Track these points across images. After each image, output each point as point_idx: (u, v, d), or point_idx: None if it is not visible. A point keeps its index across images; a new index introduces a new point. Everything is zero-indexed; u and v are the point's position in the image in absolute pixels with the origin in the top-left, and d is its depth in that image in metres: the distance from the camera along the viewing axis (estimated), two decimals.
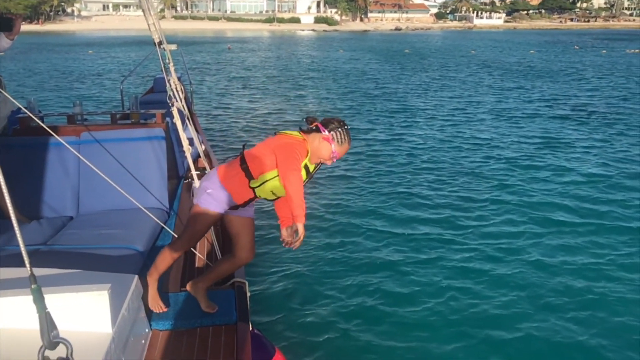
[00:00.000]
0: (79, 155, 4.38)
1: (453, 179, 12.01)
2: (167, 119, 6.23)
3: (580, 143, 15.39)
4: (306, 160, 3.43)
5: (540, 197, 10.70)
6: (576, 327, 6.32)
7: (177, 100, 4.94)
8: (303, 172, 3.48)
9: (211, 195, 3.44)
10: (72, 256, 4.14)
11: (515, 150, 14.55)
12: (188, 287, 3.72)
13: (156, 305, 3.61)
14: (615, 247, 8.42)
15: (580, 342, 6.02)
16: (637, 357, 5.74)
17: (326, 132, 3.43)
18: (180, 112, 5.14)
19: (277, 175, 3.38)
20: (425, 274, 7.60)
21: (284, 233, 3.66)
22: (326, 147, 3.44)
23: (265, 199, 3.56)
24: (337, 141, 3.44)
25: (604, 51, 55.76)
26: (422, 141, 15.76)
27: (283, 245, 3.61)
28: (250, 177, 3.43)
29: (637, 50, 54.13)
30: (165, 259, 3.68)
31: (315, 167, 3.56)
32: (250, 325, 3.69)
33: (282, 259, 8.13)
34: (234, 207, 3.48)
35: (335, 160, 3.49)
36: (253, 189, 3.46)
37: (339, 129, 3.47)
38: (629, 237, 8.78)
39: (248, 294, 3.81)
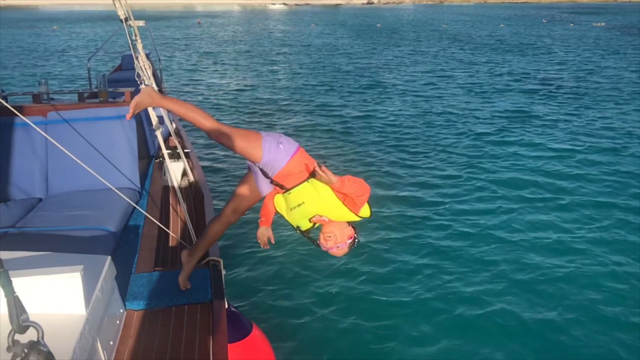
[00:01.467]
0: (46, 135, 4.29)
1: (425, 156, 12.14)
2: None
3: (549, 117, 15.67)
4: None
5: (511, 173, 10.90)
6: (545, 301, 6.48)
7: (145, 78, 4.85)
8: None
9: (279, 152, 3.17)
10: (43, 238, 4.09)
11: (486, 126, 14.75)
12: (183, 256, 3.55)
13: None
14: (583, 222, 8.65)
15: (549, 317, 6.20)
16: (602, 329, 5.94)
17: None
18: None
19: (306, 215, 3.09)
20: (399, 252, 7.71)
21: (260, 232, 3.53)
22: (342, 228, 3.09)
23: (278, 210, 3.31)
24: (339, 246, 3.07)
25: (572, 24, 56.52)
26: (394, 117, 15.84)
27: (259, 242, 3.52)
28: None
29: (603, 24, 55.02)
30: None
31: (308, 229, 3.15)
32: (227, 303, 3.72)
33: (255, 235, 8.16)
34: (267, 177, 3.20)
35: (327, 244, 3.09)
36: (289, 189, 3.12)
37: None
38: (596, 211, 9.03)
39: (223, 272, 3.82)
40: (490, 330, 5.92)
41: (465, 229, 8.34)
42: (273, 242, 3.38)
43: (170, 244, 4.49)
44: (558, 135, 13.62)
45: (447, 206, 9.26)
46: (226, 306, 3.70)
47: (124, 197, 4.41)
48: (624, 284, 6.72)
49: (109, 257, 3.27)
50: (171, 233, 4.49)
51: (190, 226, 4.34)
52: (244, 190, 3.46)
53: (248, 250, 7.79)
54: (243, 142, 3.15)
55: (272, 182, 3.21)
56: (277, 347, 4.02)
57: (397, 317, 6.18)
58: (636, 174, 10.58)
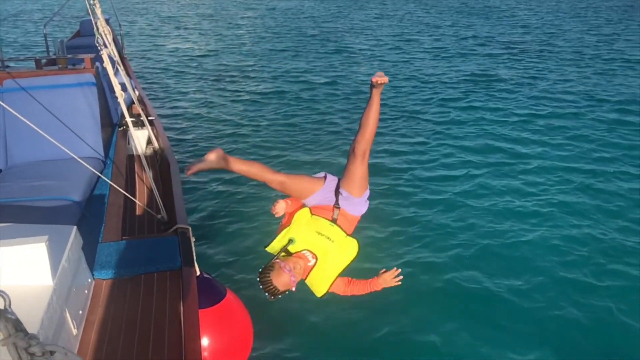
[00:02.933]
0: (3, 104, 4.14)
1: (393, 123, 12.20)
2: (97, 63, 5.95)
3: (514, 81, 15.88)
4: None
5: (477, 139, 11.07)
6: (509, 265, 6.66)
7: (105, 44, 4.71)
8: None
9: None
10: (5, 210, 4.00)
11: (452, 90, 14.87)
12: (216, 153, 3.22)
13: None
14: (547, 186, 8.91)
15: (514, 282, 6.41)
16: (565, 291, 6.17)
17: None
18: (110, 56, 4.92)
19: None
20: (365, 219, 7.75)
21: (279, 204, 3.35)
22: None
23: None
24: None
25: None
26: (360, 83, 15.80)
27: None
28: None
29: None
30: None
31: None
32: (198, 270, 3.73)
33: (231, 205, 8.16)
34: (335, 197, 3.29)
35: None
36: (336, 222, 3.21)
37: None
38: (560, 175, 9.29)
39: (192, 239, 3.82)
40: (456, 296, 6.08)
41: (432, 196, 8.48)
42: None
43: (137, 213, 4.46)
44: (522, 100, 13.85)
45: (414, 172, 9.38)
46: (198, 273, 3.72)
47: (88, 166, 4.34)
48: (586, 247, 6.98)
49: (75, 227, 3.24)
50: (137, 201, 4.45)
51: (156, 194, 4.30)
52: (304, 182, 3.38)
53: (218, 215, 7.80)
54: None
55: (336, 204, 3.25)
56: (253, 312, 4.07)
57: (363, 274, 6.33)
58: (598, 138, 10.89)
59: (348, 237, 3.18)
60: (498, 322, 5.59)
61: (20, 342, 1.53)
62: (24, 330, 1.57)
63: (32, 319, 2.42)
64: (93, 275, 3.52)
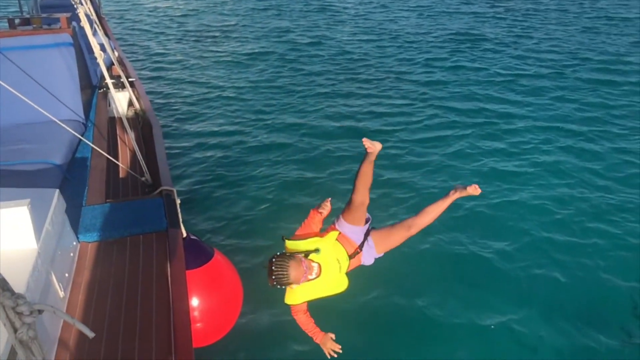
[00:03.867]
0: None
1: (378, 83, 12.10)
2: (74, 23, 5.76)
3: (498, 39, 15.77)
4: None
5: (462, 100, 11.04)
6: (490, 227, 6.76)
7: (82, 2, 4.55)
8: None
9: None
10: None
11: (437, 50, 14.74)
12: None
13: None
14: (530, 146, 8.97)
15: (495, 244, 6.54)
16: (543, 249, 6.30)
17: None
18: (87, 15, 4.76)
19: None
20: (348, 181, 7.79)
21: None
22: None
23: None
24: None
25: None
26: (345, 43, 15.58)
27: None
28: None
29: None
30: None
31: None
32: (185, 232, 3.73)
33: (217, 171, 8.12)
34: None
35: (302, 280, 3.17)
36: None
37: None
38: (543, 134, 9.35)
39: (178, 201, 3.80)
40: (442, 258, 6.13)
41: (418, 158, 8.52)
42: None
43: (120, 176, 4.41)
44: (507, 59, 13.80)
45: (400, 135, 9.37)
46: (184, 235, 3.71)
47: (68, 129, 4.26)
48: (570, 207, 7.09)
49: (57, 190, 3.19)
50: (120, 164, 4.40)
51: (139, 156, 4.25)
52: (363, 213, 3.55)
53: (211, 185, 7.77)
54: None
55: (360, 246, 3.45)
56: (243, 276, 4.10)
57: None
58: (581, 98, 10.94)
59: (346, 275, 3.34)
60: (483, 283, 5.67)
61: (7, 302, 1.52)
62: (11, 290, 1.56)
63: (17, 282, 2.41)
64: (78, 238, 3.50)
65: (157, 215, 3.64)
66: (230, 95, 11.36)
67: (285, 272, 3.07)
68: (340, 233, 3.44)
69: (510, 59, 13.83)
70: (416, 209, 6.82)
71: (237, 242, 6.28)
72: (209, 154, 8.63)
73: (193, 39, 16.22)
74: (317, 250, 3.26)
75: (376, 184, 7.45)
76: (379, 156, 8.73)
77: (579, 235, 6.47)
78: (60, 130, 4.34)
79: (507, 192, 7.41)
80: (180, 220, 3.62)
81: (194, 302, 3.53)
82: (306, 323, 3.34)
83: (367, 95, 11.31)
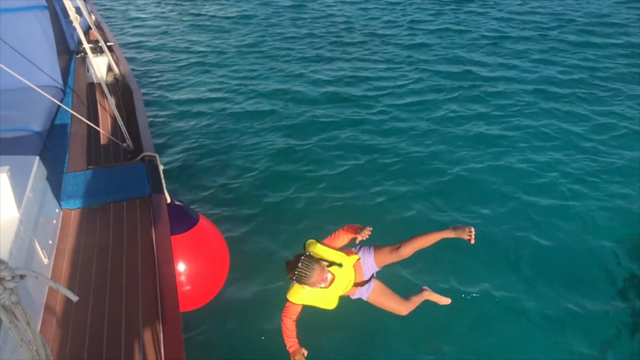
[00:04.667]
0: None
1: (361, 45, 11.96)
2: None
3: (482, 1, 15.60)
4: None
5: (446, 63, 10.96)
6: (471, 183, 6.90)
7: None
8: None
9: None
10: None
11: (421, 13, 14.55)
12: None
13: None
14: (512, 108, 8.98)
15: (475, 208, 6.65)
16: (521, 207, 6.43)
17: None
18: None
19: None
20: (333, 149, 7.80)
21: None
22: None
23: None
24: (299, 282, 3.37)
25: None
26: (326, 7, 15.31)
27: None
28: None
29: None
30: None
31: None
32: (169, 198, 3.70)
33: (201, 139, 8.03)
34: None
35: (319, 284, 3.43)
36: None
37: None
38: (525, 97, 9.35)
39: (161, 167, 3.76)
40: (424, 225, 5.98)
41: (401, 123, 8.47)
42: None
43: (101, 142, 4.35)
44: (491, 22, 13.70)
45: (384, 100, 9.30)
46: (169, 200, 3.69)
47: (46, 95, 4.16)
48: (552, 171, 7.13)
49: (37, 157, 3.14)
50: (101, 130, 4.33)
51: (120, 122, 4.18)
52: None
53: (195, 153, 7.70)
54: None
55: (367, 281, 3.76)
56: (229, 241, 4.10)
57: (338, 205, 6.42)
58: (563, 60, 10.93)
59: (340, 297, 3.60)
60: (467, 248, 5.64)
61: None
62: None
63: (0, 250, 2.39)
64: (60, 205, 3.47)
65: (139, 181, 3.61)
66: (213, 61, 11.18)
67: (308, 273, 3.30)
68: (359, 260, 3.66)
69: (495, 21, 13.73)
70: (398, 176, 6.90)
71: (222, 211, 6.27)
72: (192, 122, 8.54)
73: (172, 1, 15.82)
74: (340, 265, 3.50)
75: (362, 150, 7.54)
76: (365, 122, 8.75)
77: (563, 198, 6.55)
78: (38, 97, 4.24)
79: (492, 156, 7.45)
80: (164, 185, 3.60)
81: (180, 267, 3.54)
82: (290, 329, 3.50)
83: (351, 59, 11.19)
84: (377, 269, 3.75)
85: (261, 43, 12.19)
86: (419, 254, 5.46)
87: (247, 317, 4.82)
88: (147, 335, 2.64)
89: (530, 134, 8.01)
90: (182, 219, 3.67)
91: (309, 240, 3.62)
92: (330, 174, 7.04)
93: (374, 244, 5.14)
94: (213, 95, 9.52)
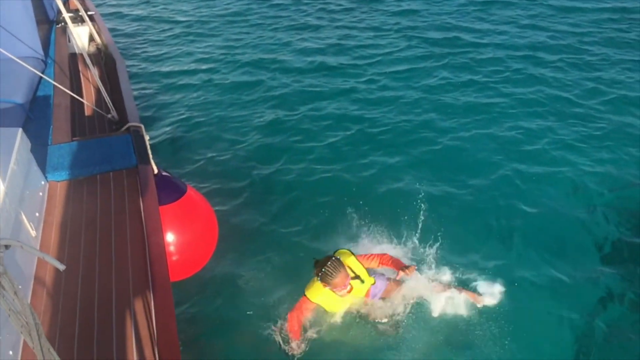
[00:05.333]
0: None
1: (347, 12, 11.78)
2: None
3: None
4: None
5: (435, 29, 10.77)
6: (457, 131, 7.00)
7: None
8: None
9: None
10: None
11: None
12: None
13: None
14: (498, 65, 8.99)
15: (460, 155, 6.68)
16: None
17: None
18: None
19: None
20: (320, 119, 7.74)
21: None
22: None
23: None
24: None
25: None
26: None
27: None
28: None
29: None
30: None
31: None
32: (156, 168, 3.67)
33: (187, 110, 7.93)
34: None
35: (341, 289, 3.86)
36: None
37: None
38: (512, 53, 9.35)
39: (147, 137, 3.72)
40: (411, 197, 5.91)
41: (389, 93, 8.36)
42: None
43: (85, 113, 4.28)
44: None
45: (371, 68, 9.17)
46: (156, 171, 3.67)
47: (27, 66, 4.07)
48: (540, 138, 7.09)
49: (20, 129, 3.10)
50: (85, 101, 4.26)
51: (104, 93, 4.11)
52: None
53: (176, 117, 7.62)
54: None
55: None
56: (218, 214, 4.09)
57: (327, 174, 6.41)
58: (550, 26, 10.82)
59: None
60: (453, 217, 5.64)
61: None
62: None
63: None
64: (46, 177, 3.43)
65: (126, 152, 3.58)
66: (198, 31, 10.97)
67: (333, 274, 3.64)
68: (374, 283, 4.03)
69: None
70: (385, 147, 6.87)
71: (211, 184, 6.23)
72: (178, 94, 8.42)
73: None
74: (362, 281, 3.88)
75: (351, 120, 7.51)
76: (353, 91, 8.63)
77: (552, 164, 6.51)
78: (18, 68, 4.15)
79: (481, 124, 7.41)
80: (150, 156, 3.56)
81: (169, 237, 3.53)
82: (297, 327, 3.88)
83: (338, 27, 11.04)
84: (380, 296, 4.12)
85: (247, 11, 11.97)
86: (407, 229, 5.51)
87: (236, 289, 4.80)
88: (138, 305, 2.64)
89: (519, 101, 7.99)
90: (170, 190, 3.65)
91: (343, 250, 3.97)
92: (319, 145, 6.99)
93: (367, 219, 5.23)
94: (199, 66, 9.37)
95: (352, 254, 3.94)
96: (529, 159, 6.64)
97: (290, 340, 3.93)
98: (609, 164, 6.49)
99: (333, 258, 3.70)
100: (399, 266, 3.90)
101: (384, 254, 4.10)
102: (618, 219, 5.67)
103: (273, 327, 4.12)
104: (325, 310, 4.01)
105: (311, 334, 4.07)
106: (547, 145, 6.89)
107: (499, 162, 6.60)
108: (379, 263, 4.04)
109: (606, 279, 4.95)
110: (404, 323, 4.18)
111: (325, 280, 3.68)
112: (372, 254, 4.09)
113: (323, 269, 3.64)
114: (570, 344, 4.37)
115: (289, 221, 5.61)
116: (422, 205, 5.57)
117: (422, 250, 5.04)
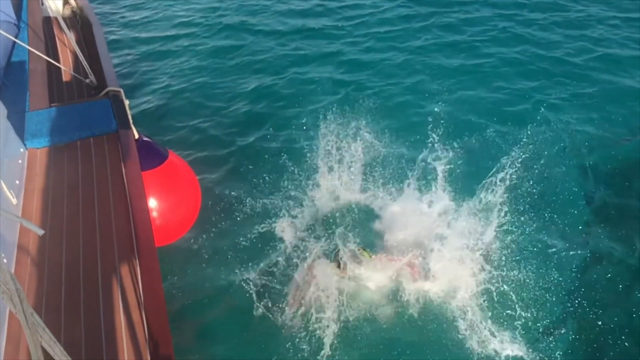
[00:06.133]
0: None
1: None
2: None
3: None
4: None
5: None
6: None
7: None
8: None
9: None
10: None
11: None
12: None
13: None
14: (486, 24, 8.90)
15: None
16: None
17: None
18: None
19: None
20: (322, 66, 7.62)
21: None
22: None
23: None
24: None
25: None
26: None
27: None
28: None
29: None
30: None
31: None
32: (137, 133, 3.60)
33: (167, 78, 7.76)
34: None
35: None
36: None
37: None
38: (501, 22, 9.22)
39: (127, 102, 3.63)
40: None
41: (376, 55, 8.24)
42: None
43: (63, 79, 4.16)
44: None
45: (358, 30, 8.98)
46: (137, 136, 3.60)
47: (0, 31, 3.93)
48: (525, 97, 7.10)
49: None
50: (62, 67, 4.13)
51: (81, 57, 3.99)
52: None
53: (161, 84, 7.47)
54: None
55: None
56: (200, 178, 4.05)
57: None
58: None
59: None
60: (438, 182, 5.64)
61: None
62: None
63: None
64: (25, 144, 3.35)
65: (105, 117, 3.49)
66: None
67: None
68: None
69: None
70: (377, 111, 6.80)
71: (194, 151, 6.15)
72: (159, 62, 8.23)
73: None
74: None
75: (335, 84, 7.39)
76: (337, 54, 8.45)
77: (538, 124, 6.49)
78: None
79: (467, 85, 7.39)
80: (131, 120, 3.49)
81: (151, 202, 3.49)
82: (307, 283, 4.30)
83: None
84: None
85: None
86: (395, 193, 5.55)
87: (218, 258, 4.79)
88: (124, 270, 2.62)
89: (505, 61, 7.93)
90: (151, 155, 3.59)
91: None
92: (304, 110, 6.90)
93: (353, 186, 5.26)
94: (179, 31, 9.15)
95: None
96: (515, 120, 6.62)
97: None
98: (593, 123, 6.51)
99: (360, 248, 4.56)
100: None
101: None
102: (605, 177, 5.71)
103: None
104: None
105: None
106: (533, 105, 6.88)
107: (485, 124, 6.58)
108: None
109: (595, 239, 5.00)
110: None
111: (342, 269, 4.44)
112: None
113: (341, 257, 4.44)
114: (555, 305, 4.44)
115: (273, 188, 5.57)
116: (409, 168, 5.59)
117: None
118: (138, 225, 2.65)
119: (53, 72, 4.18)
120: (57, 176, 3.15)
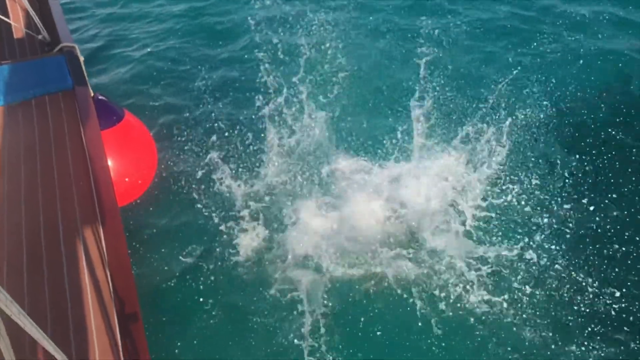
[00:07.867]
0: None
1: None
2: None
3: None
4: None
5: None
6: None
7: None
8: None
9: None
10: None
11: None
12: None
13: None
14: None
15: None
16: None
17: None
18: None
19: None
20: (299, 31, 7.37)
21: None
22: None
23: None
24: None
25: None
26: None
27: None
28: None
29: None
30: None
31: None
32: (92, 92, 3.49)
33: (120, 26, 7.42)
34: None
35: None
36: None
37: None
38: None
39: (81, 58, 3.50)
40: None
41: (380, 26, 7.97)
42: None
43: (14, 36, 3.98)
44: None
45: None
46: (92, 94, 3.48)
47: None
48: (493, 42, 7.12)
49: None
50: (12, 22, 3.94)
51: (32, 13, 3.81)
52: None
53: (116, 42, 7.17)
54: None
55: None
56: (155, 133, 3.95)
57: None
58: None
59: None
60: (411, 152, 5.62)
61: None
62: None
63: None
64: None
65: (60, 74, 3.37)
66: None
67: None
68: None
69: None
70: (352, 77, 6.59)
71: (146, 103, 5.91)
72: (108, 10, 7.81)
73: None
74: None
75: (304, 48, 7.12)
76: (307, 27, 7.83)
77: (508, 88, 6.45)
78: None
79: (436, 50, 7.25)
80: (87, 78, 3.37)
81: (110, 162, 3.42)
82: None
83: None
84: None
85: None
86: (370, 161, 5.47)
87: (176, 212, 4.69)
88: (87, 231, 2.59)
89: (475, 25, 7.82)
90: (107, 114, 3.49)
91: None
92: (272, 76, 6.69)
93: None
94: None
95: None
96: (487, 84, 6.56)
97: None
98: (560, 84, 6.45)
99: None
100: None
101: None
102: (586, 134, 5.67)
103: None
104: None
105: None
106: (505, 68, 6.78)
107: (458, 89, 6.50)
108: None
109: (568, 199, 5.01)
110: None
111: None
112: None
113: None
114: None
115: (228, 155, 5.37)
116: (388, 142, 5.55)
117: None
118: (100, 185, 2.60)
119: (3, 29, 3.99)
120: (12, 137, 3.06)
